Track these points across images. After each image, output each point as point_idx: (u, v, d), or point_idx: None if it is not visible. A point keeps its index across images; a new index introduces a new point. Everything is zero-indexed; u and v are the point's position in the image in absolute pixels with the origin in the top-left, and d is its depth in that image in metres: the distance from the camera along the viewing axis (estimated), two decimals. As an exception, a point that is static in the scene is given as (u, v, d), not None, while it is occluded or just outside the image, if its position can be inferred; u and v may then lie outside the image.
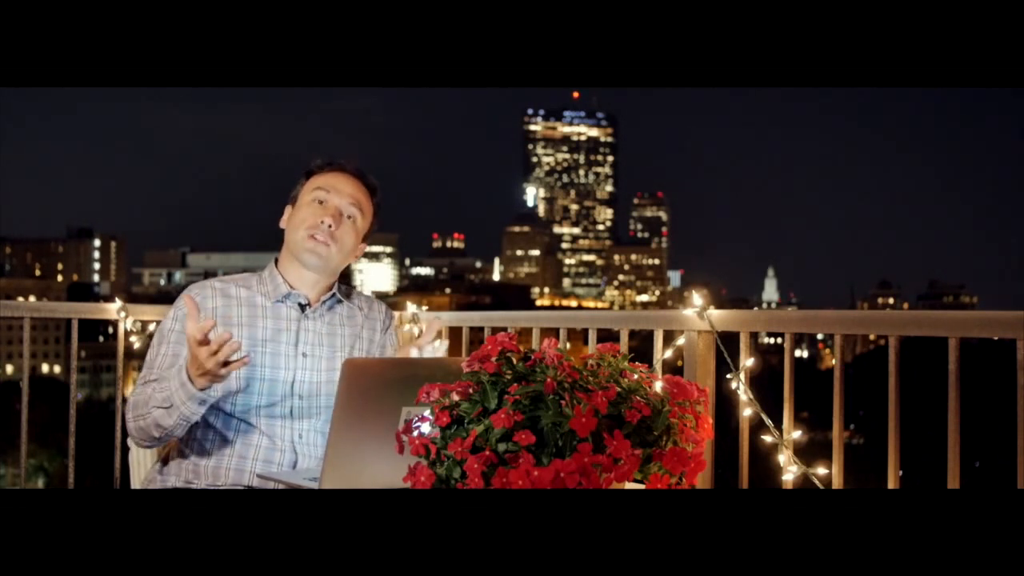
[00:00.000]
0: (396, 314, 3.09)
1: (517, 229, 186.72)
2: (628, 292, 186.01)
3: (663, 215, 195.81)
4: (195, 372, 2.04)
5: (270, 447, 2.27)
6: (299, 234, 2.37)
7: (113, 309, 3.30)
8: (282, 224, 2.45)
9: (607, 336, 2.47)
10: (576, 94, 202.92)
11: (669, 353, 2.48)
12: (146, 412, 2.17)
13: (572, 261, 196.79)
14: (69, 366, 3.36)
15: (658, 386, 1.71)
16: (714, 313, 2.35)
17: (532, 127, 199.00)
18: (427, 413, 1.60)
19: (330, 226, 2.35)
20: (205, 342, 1.98)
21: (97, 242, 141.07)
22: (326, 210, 2.38)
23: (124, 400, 2.46)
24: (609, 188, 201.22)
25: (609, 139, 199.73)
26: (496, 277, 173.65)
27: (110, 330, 3.79)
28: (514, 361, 1.61)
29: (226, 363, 2.00)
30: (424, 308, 3.32)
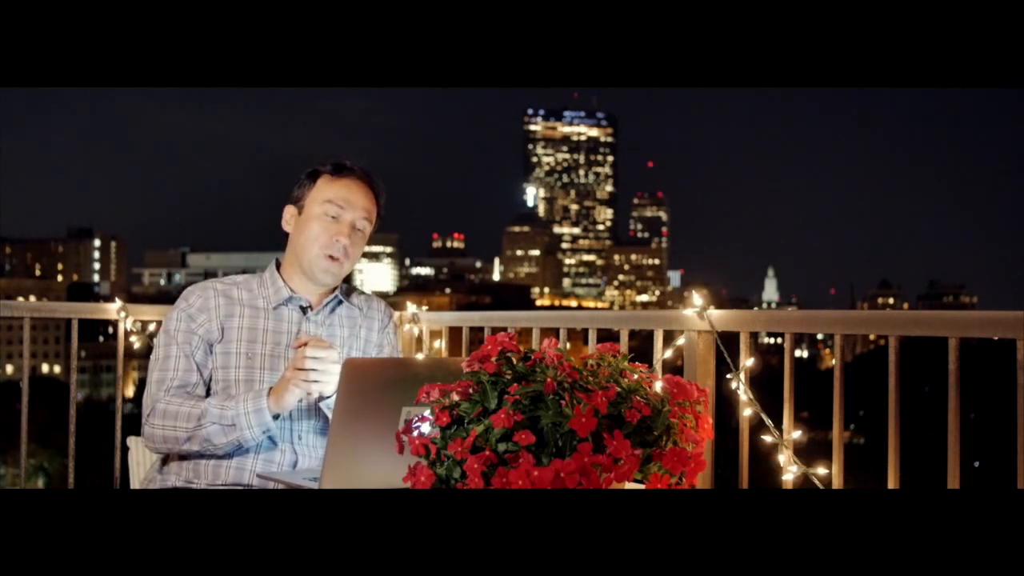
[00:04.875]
0: (397, 314, 3.08)
1: (517, 229, 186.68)
2: (628, 292, 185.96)
3: (663, 215, 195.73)
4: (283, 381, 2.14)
5: (270, 447, 2.27)
6: (313, 251, 2.35)
7: (113, 309, 3.30)
8: (285, 226, 2.42)
9: (607, 336, 2.47)
10: (576, 94, 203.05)
11: (669, 353, 2.48)
12: (192, 426, 2.18)
13: (572, 261, 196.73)
14: (69, 366, 3.36)
15: (658, 386, 1.71)
16: (714, 313, 2.35)
17: (532, 127, 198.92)
18: (427, 413, 1.59)
19: (345, 246, 2.34)
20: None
21: (97, 242, 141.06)
22: (340, 228, 2.35)
23: (124, 400, 2.47)
24: (609, 188, 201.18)
25: (609, 139, 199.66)
26: (496, 277, 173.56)
27: (110, 330, 3.79)
28: (514, 361, 1.61)
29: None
30: (424, 308, 3.32)
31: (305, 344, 2.13)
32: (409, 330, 3.28)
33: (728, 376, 2.27)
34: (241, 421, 2.16)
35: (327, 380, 2.11)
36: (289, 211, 2.43)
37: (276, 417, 2.19)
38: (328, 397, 2.19)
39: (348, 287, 2.52)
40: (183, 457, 2.29)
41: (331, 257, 2.34)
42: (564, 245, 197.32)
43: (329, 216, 2.35)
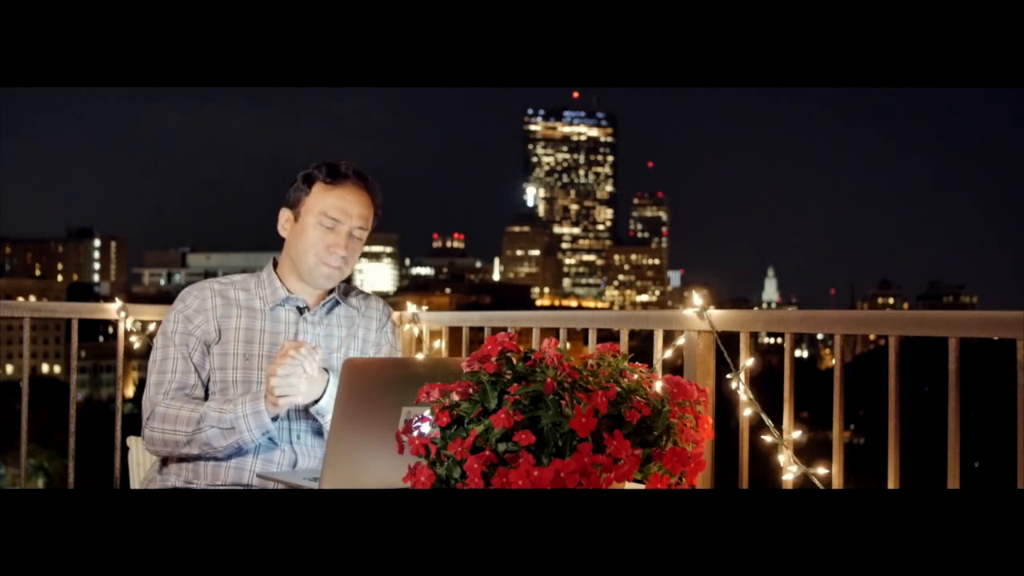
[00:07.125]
0: (397, 314, 3.08)
1: (517, 229, 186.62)
2: (628, 292, 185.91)
3: (663, 215, 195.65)
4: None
5: (270, 447, 2.27)
6: (310, 260, 2.34)
7: (113, 309, 3.30)
8: (281, 231, 2.41)
9: (607, 336, 2.47)
10: (576, 94, 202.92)
11: (669, 353, 2.48)
12: (191, 430, 2.20)
13: (572, 261, 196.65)
14: (69, 366, 3.36)
15: (658, 386, 1.71)
16: (714, 313, 2.35)
17: (532, 127, 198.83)
18: (427, 413, 1.59)
19: (343, 256, 2.34)
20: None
21: (97, 242, 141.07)
22: (338, 237, 2.34)
23: (124, 400, 2.47)
24: (609, 188, 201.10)
25: (609, 139, 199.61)
26: (496, 277, 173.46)
27: (110, 330, 3.80)
28: (514, 361, 1.61)
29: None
30: (424, 308, 3.32)
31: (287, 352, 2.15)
32: (409, 330, 3.28)
33: (728, 376, 2.27)
34: (240, 424, 2.17)
35: (296, 393, 2.15)
36: (284, 215, 2.41)
37: (275, 419, 2.20)
38: (318, 401, 2.20)
39: (346, 286, 2.52)
40: (183, 458, 2.29)
41: (327, 264, 2.34)
42: (564, 245, 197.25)
43: (325, 227, 2.34)
